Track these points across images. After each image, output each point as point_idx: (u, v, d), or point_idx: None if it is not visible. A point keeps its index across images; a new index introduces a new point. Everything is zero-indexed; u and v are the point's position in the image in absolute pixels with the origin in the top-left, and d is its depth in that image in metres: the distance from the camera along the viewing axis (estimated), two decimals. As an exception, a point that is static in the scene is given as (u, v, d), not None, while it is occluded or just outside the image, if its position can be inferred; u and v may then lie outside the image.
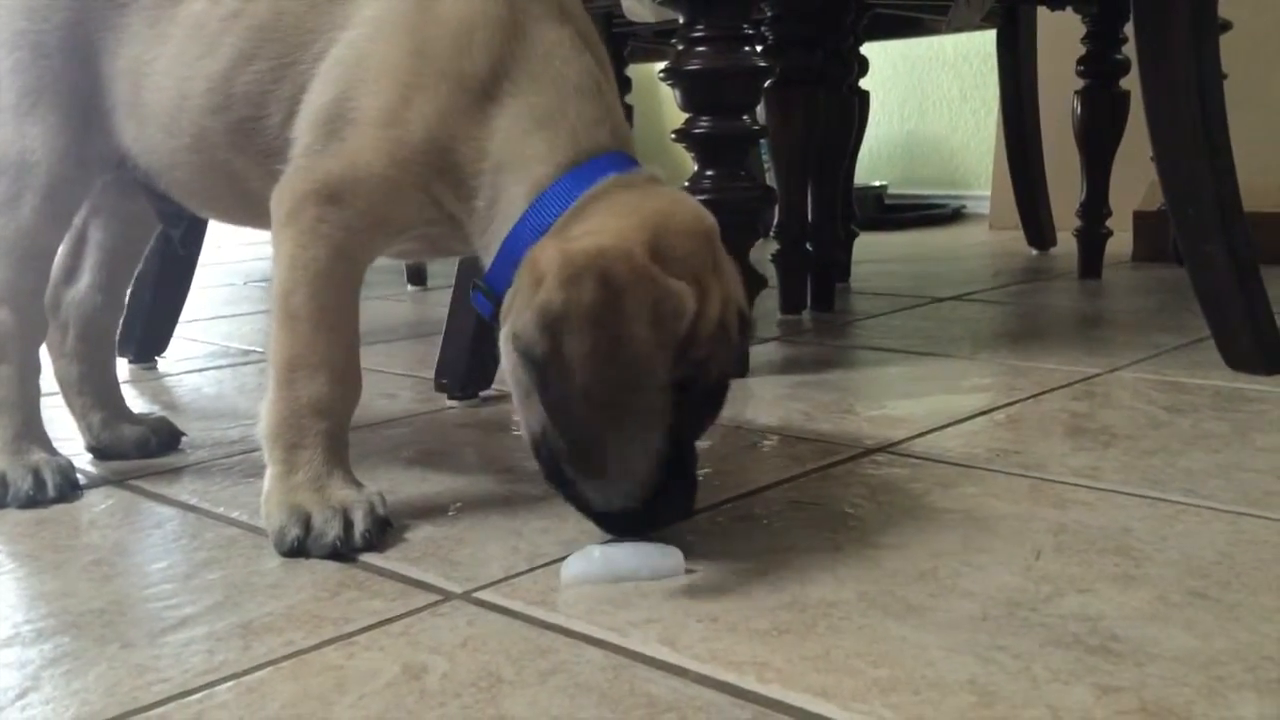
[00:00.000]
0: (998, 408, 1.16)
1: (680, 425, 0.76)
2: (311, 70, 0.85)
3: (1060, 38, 2.34)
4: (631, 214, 0.77)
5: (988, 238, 2.87)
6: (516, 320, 0.74)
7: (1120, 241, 2.21)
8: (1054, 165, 2.48)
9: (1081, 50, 2.07)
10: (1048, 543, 0.79)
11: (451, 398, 1.27)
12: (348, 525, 0.80)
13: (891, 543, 0.80)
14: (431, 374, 1.31)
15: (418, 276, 2.29)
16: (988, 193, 3.14)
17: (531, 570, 0.77)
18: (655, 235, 0.75)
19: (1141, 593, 0.70)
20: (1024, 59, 2.45)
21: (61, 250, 1.05)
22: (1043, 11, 2.35)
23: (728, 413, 1.16)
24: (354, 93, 0.82)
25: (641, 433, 0.74)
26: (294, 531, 0.80)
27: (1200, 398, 1.18)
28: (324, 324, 0.83)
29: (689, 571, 0.75)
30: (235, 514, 0.91)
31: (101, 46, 0.93)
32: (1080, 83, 2.09)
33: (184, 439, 1.12)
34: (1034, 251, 2.49)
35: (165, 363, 1.56)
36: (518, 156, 0.81)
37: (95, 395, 1.08)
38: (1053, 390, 1.23)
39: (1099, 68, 2.06)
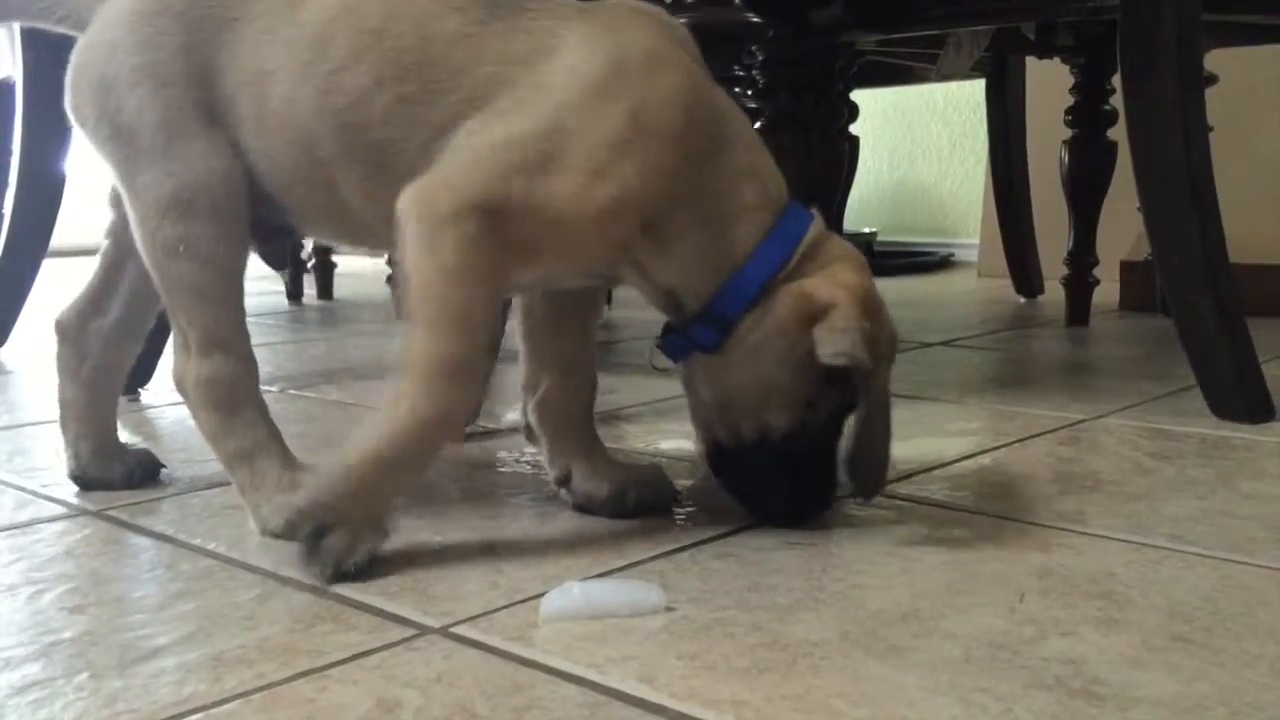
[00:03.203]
0: (984, 451, 1.16)
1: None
2: (474, 100, 0.84)
3: (1049, 88, 2.37)
4: (848, 254, 0.91)
5: (976, 285, 2.88)
6: (844, 339, 0.85)
7: (1107, 290, 2.22)
8: (1042, 214, 2.50)
9: (1070, 100, 2.09)
10: (1032, 586, 0.78)
11: (435, 433, 1.26)
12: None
13: (875, 583, 0.79)
14: (416, 409, 1.30)
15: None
16: (976, 241, 3.16)
17: (510, 606, 0.76)
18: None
19: (1125, 637, 0.70)
20: (1013, 109, 2.48)
21: (96, 278, 1.04)
22: (1031, 61, 2.38)
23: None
24: (559, 140, 0.82)
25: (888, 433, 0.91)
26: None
27: (1186, 445, 1.18)
28: (480, 324, 0.83)
29: (669, 609, 0.75)
30: (212, 545, 0.89)
31: (217, 65, 0.90)
32: (1068, 132, 2.11)
33: (163, 470, 1.10)
34: (1021, 299, 2.50)
35: (149, 394, 1.55)
36: (734, 207, 0.88)
37: (93, 426, 1.07)
38: (1039, 435, 1.22)
39: (1087, 118, 2.08)
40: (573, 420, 0.99)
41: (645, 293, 0.91)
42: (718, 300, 0.88)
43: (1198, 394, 1.31)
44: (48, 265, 1.87)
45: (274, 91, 0.89)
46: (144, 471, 1.08)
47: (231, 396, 0.92)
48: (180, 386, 0.94)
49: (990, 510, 0.96)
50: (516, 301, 1.00)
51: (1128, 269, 2.33)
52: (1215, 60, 1.80)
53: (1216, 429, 1.24)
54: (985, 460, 1.13)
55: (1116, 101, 1.96)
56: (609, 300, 2.58)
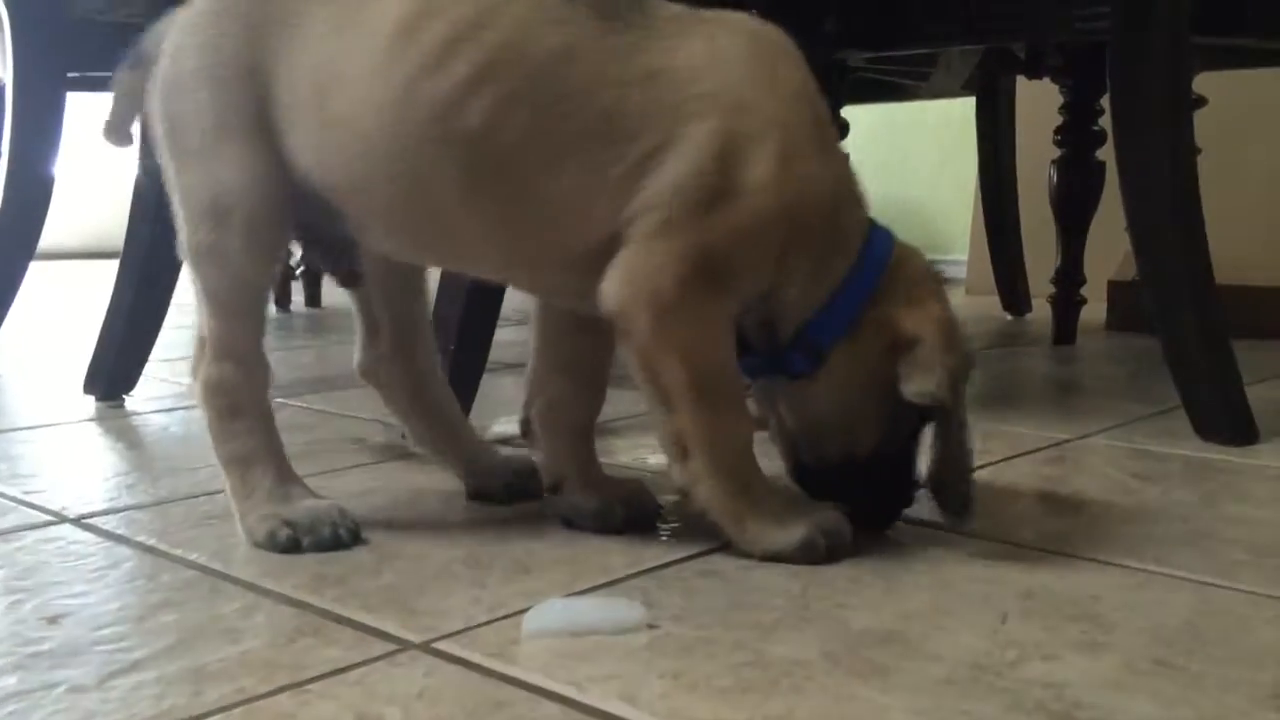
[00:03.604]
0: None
1: None
2: (609, 133, 0.83)
3: (1038, 107, 2.38)
4: (929, 276, 0.92)
5: (964, 302, 2.89)
6: (929, 378, 0.87)
7: (1095, 310, 2.23)
8: (1030, 232, 2.51)
9: (1059, 120, 2.10)
10: (1015, 607, 0.78)
11: (421, 445, 1.26)
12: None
13: (858, 603, 0.79)
14: (402, 420, 1.30)
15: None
16: (965, 257, 3.17)
17: (493, 621, 0.76)
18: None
19: (1107, 660, 0.70)
20: (1003, 127, 2.49)
21: (362, 318, 1.04)
22: (1022, 81, 2.39)
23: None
24: (727, 166, 0.83)
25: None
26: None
27: (1170, 466, 1.18)
28: (732, 379, 0.87)
29: (651, 626, 0.74)
30: (194, 556, 0.89)
31: (274, 69, 0.89)
32: (1057, 152, 2.12)
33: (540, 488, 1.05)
34: (1009, 317, 2.50)
35: (133, 402, 1.55)
36: (834, 231, 0.88)
37: (451, 444, 1.06)
38: (1024, 455, 1.23)
39: (1076, 138, 2.09)
40: (574, 429, 0.99)
41: (749, 312, 0.90)
42: (813, 329, 0.88)
43: (1182, 415, 1.31)
44: (35, 267, 1.86)
45: (341, 95, 0.87)
46: (533, 484, 1.03)
47: (233, 402, 0.93)
48: (193, 379, 0.95)
49: (974, 530, 0.96)
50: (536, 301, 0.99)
51: (1115, 288, 2.34)
52: (1205, 82, 1.81)
53: (1201, 451, 1.24)
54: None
55: (1105, 122, 1.97)
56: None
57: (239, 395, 0.93)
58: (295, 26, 0.89)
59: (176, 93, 0.91)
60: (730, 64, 0.85)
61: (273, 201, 0.91)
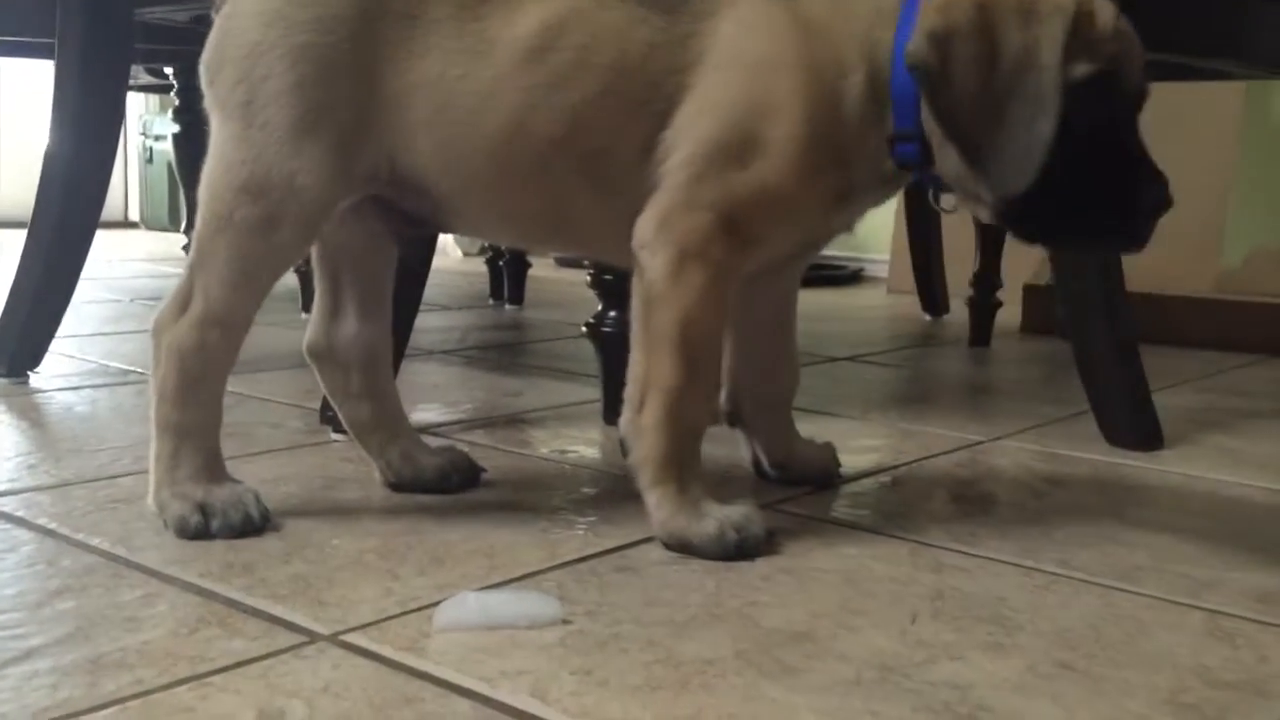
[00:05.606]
0: (884, 469, 1.18)
1: (1122, 125, 0.98)
2: (669, 108, 0.89)
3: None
4: None
5: (885, 301, 2.93)
6: (909, 44, 0.86)
7: (1010, 312, 2.27)
8: (950, 235, 2.54)
9: (982, 125, 2.13)
10: (924, 608, 0.79)
11: (336, 431, 1.24)
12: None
13: (770, 601, 0.79)
14: (318, 405, 1.28)
15: (312, 304, 2.24)
16: (888, 257, 3.21)
17: (404, 614, 0.75)
18: None
19: (1012, 662, 0.71)
20: (928, 130, 2.52)
21: (322, 291, 1.01)
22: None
23: (615, 460, 1.15)
24: (753, 126, 0.87)
25: (1029, 121, 0.86)
26: (731, 535, 0.87)
27: (1078, 470, 1.20)
28: (714, 352, 0.92)
29: (565, 622, 0.74)
30: (96, 541, 0.87)
31: (387, 60, 0.88)
32: (979, 156, 2.14)
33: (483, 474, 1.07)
34: (928, 317, 2.54)
35: (38, 378, 1.50)
36: (877, 43, 0.89)
37: (389, 430, 1.03)
38: (938, 455, 1.24)
39: (998, 143, 2.12)
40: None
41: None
42: (896, 103, 0.90)
43: (1092, 419, 1.34)
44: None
45: (462, 100, 0.88)
46: (461, 475, 1.04)
47: (202, 371, 0.90)
48: (157, 334, 0.91)
49: (887, 529, 0.97)
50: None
51: (1030, 292, 2.38)
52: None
53: (1109, 455, 1.27)
54: (884, 478, 1.15)
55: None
56: (520, 300, 2.56)
57: (212, 366, 0.91)
58: (415, 21, 0.89)
59: (265, 59, 0.87)
60: (758, 32, 0.89)
61: (335, 198, 0.91)
